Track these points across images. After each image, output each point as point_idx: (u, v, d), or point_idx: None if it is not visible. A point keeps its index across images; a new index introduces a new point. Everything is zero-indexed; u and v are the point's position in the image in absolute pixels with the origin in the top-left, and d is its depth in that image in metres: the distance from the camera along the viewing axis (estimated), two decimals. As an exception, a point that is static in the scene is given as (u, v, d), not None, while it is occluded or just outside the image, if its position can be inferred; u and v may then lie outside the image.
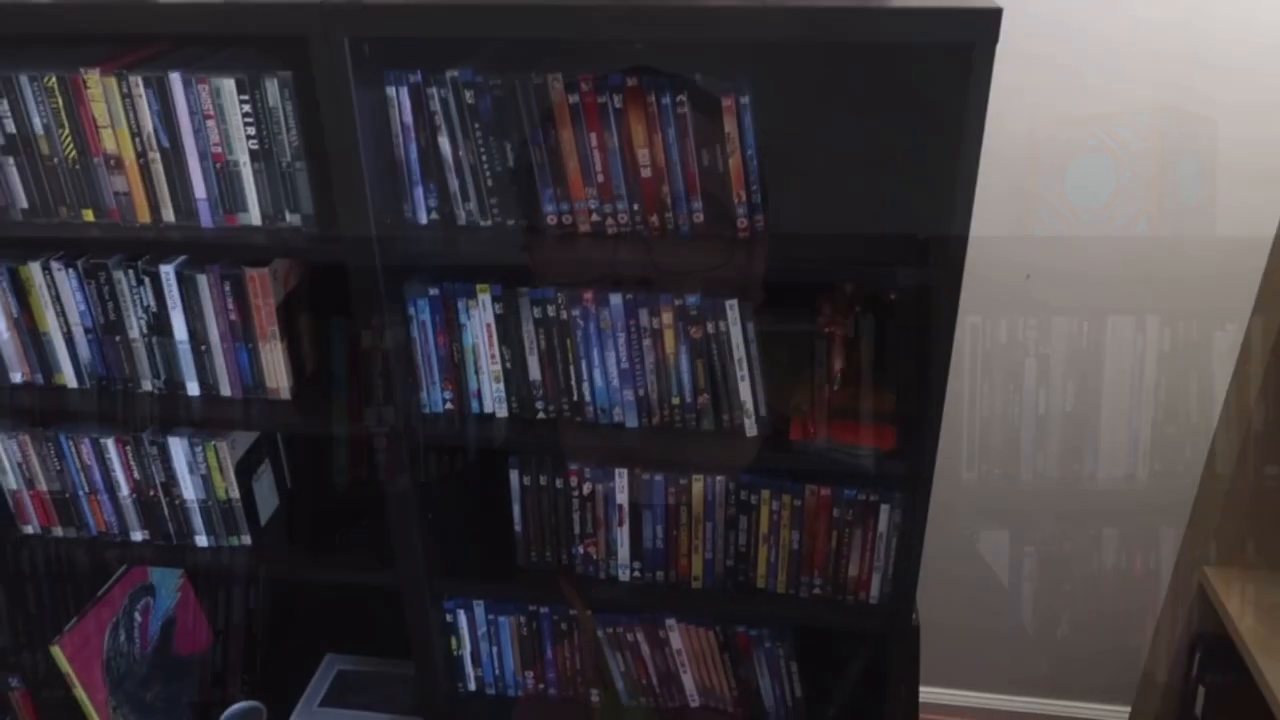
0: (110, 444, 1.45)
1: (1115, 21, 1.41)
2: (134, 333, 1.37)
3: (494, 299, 1.27)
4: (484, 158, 1.21)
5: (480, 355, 1.31)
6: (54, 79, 1.20)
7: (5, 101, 1.22)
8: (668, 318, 1.24)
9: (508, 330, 1.29)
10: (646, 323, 1.25)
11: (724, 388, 1.28)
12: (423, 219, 1.26)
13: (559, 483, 1.38)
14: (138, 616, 1.79)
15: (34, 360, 1.42)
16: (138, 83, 1.19)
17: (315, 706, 1.75)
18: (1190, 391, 1.64)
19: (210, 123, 1.21)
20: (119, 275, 1.33)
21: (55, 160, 1.25)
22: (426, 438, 1.36)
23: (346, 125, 1.15)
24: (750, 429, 1.30)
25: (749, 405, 1.28)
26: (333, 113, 1.14)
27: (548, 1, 1.06)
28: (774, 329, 1.28)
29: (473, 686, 1.59)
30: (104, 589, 1.72)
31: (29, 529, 1.55)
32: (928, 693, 1.97)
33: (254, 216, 1.26)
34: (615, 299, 1.24)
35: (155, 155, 1.24)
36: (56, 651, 1.62)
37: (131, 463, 1.47)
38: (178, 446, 1.45)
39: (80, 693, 1.66)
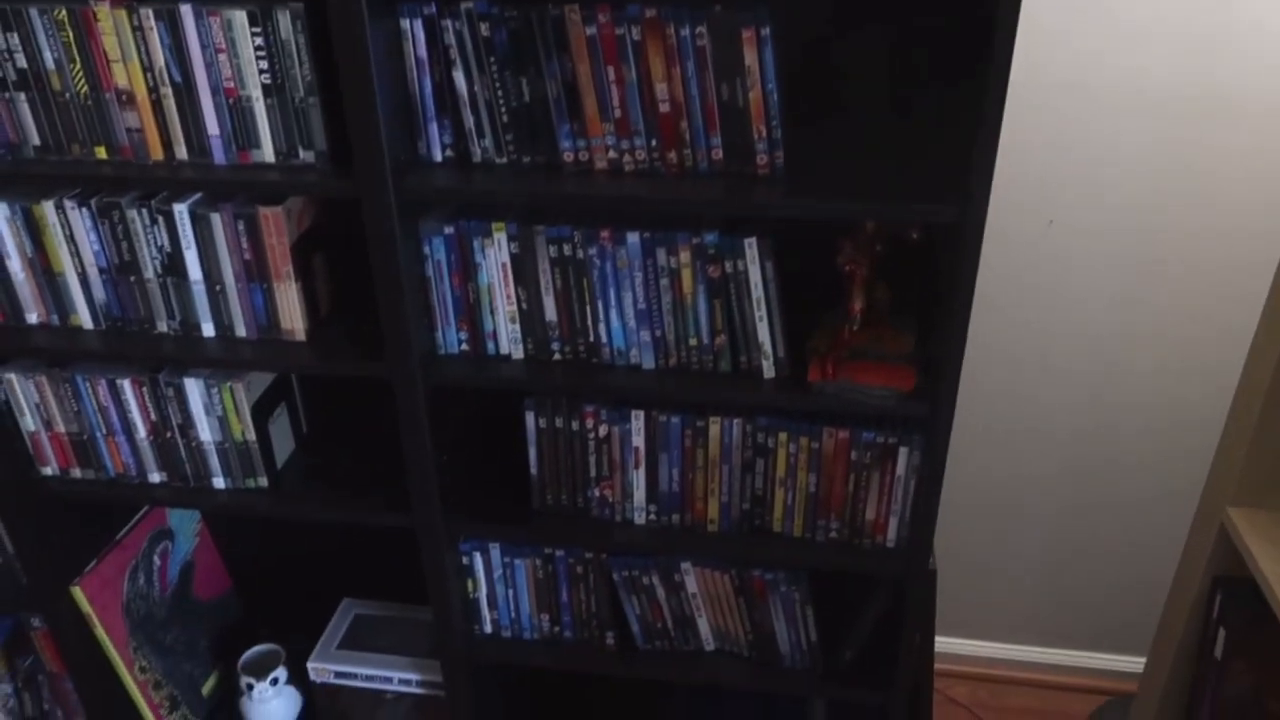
0: (126, 385, 1.46)
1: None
2: (148, 273, 1.36)
3: (509, 237, 1.26)
4: (499, 93, 1.19)
5: (496, 295, 1.30)
6: (64, 11, 1.19)
7: (16, 35, 1.21)
8: (685, 256, 1.23)
9: (523, 270, 1.27)
10: (664, 262, 1.24)
11: (742, 328, 1.27)
12: (437, 156, 1.24)
13: (575, 425, 1.37)
14: (156, 560, 1.81)
15: (49, 301, 1.41)
16: (148, 15, 1.18)
17: (333, 649, 1.77)
18: (1216, 332, 1.62)
19: (222, 56, 1.19)
20: (132, 214, 1.32)
21: (67, 96, 1.24)
22: (441, 379, 1.35)
23: (360, 59, 1.13)
24: (768, 370, 1.29)
25: (767, 346, 1.27)
26: (346, 45, 1.12)
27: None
28: (793, 269, 1.26)
29: (489, 629, 1.60)
30: (123, 532, 1.74)
31: (48, 470, 1.56)
32: (941, 642, 1.98)
33: (267, 153, 1.25)
34: (632, 237, 1.22)
35: (167, 90, 1.22)
36: (77, 592, 1.64)
37: (148, 404, 1.47)
38: (194, 388, 1.45)
39: (101, 633, 1.68)
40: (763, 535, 1.41)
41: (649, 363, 1.31)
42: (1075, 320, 1.66)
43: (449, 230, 1.27)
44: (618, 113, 1.17)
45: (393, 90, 1.18)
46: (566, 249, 1.25)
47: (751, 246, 1.21)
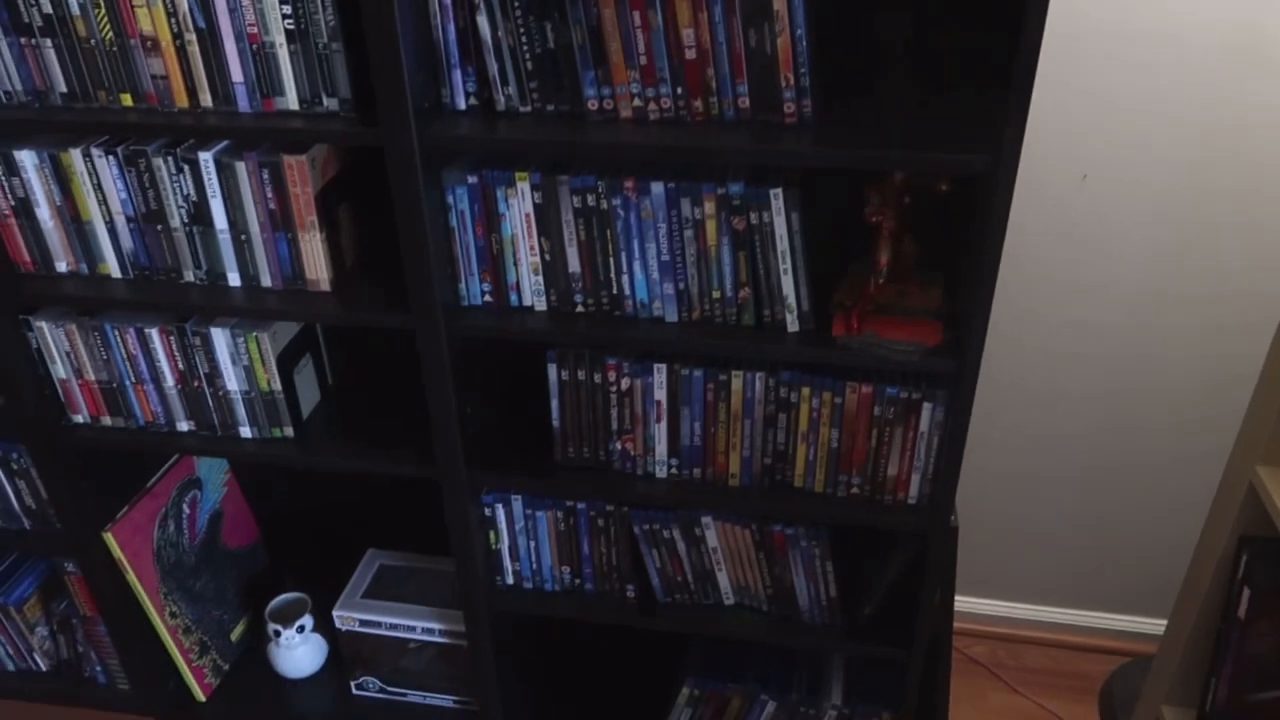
0: (154, 334, 1.47)
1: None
2: (175, 222, 1.37)
3: (533, 187, 1.25)
4: (523, 39, 1.17)
5: (519, 246, 1.30)
6: (88, -45, 1.18)
7: (41, -21, 1.21)
8: (710, 207, 1.21)
9: (547, 220, 1.27)
10: (688, 213, 1.23)
11: (766, 281, 1.26)
12: (461, 104, 1.24)
13: (597, 378, 1.37)
14: (185, 509, 1.84)
15: (78, 250, 1.43)
16: (172, -42, 1.17)
17: (358, 598, 1.80)
18: (1251, 290, 1.59)
19: (245, 1, 1.18)
20: (158, 163, 1.33)
21: (92, 42, 1.24)
22: (465, 331, 1.36)
23: (383, 3, 1.11)
24: (792, 324, 1.28)
25: (791, 300, 1.26)
26: (369, -11, 1.11)
27: None
28: (819, 221, 1.25)
29: (510, 580, 1.62)
30: (153, 481, 1.77)
31: (79, 418, 1.59)
32: (961, 601, 1.98)
33: (291, 101, 1.25)
34: (657, 187, 1.21)
35: (191, 36, 1.22)
36: (109, 538, 1.67)
37: (175, 353, 1.49)
38: (220, 337, 1.46)
39: (132, 578, 1.72)
40: (784, 490, 1.41)
41: (672, 315, 1.30)
42: (1107, 278, 1.63)
43: (472, 180, 1.26)
44: (643, 60, 1.15)
45: (416, 36, 1.17)
46: (590, 199, 1.24)
47: (777, 197, 1.19)
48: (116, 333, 1.48)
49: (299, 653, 1.88)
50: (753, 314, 1.28)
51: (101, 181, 1.36)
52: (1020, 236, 1.57)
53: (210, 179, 1.32)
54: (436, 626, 1.75)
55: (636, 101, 1.19)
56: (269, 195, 1.33)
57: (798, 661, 1.69)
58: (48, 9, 1.22)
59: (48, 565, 1.86)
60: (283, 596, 1.91)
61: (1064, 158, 1.54)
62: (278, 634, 1.85)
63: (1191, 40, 1.42)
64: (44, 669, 1.95)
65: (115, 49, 1.24)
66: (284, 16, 1.19)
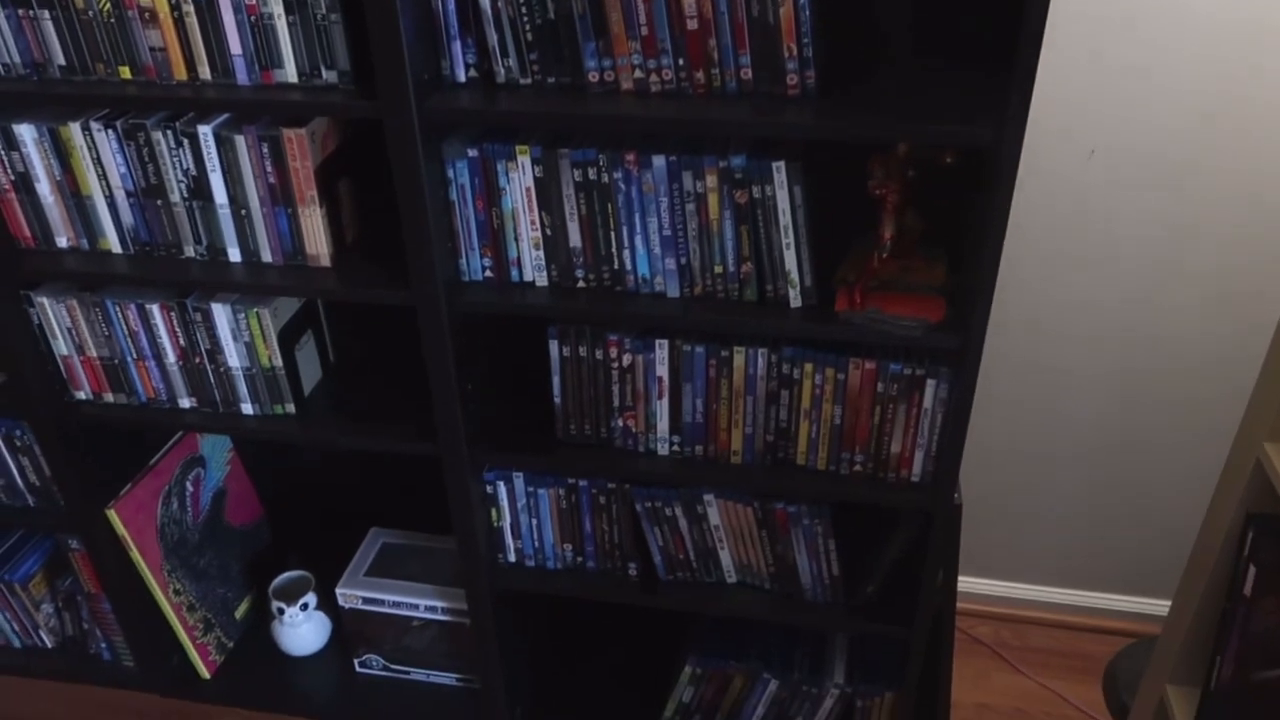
0: (155, 310, 1.47)
1: None
2: (174, 196, 1.37)
3: (533, 161, 1.24)
4: (523, 10, 1.16)
5: (520, 221, 1.29)
6: (84, -75, 1.17)
7: (37, -50, 1.20)
8: (712, 181, 1.20)
9: (548, 194, 1.26)
10: (690, 186, 1.21)
11: (768, 256, 1.25)
12: (461, 76, 1.23)
13: (599, 354, 1.37)
14: (189, 487, 1.84)
15: (78, 225, 1.42)
16: (169, -72, 1.16)
17: (361, 576, 1.80)
18: (1260, 267, 1.57)
19: (243, -29, 1.18)
20: (158, 136, 1.32)
21: (90, 14, 1.23)
22: (466, 306, 1.35)
23: (382, -28, 1.10)
24: (794, 299, 1.27)
25: (794, 274, 1.25)
26: (367, -41, 1.10)
27: None
28: (822, 196, 1.24)
29: (512, 558, 1.62)
30: (156, 458, 1.77)
31: (81, 395, 1.59)
32: (965, 582, 1.97)
33: (290, 73, 1.24)
34: (658, 160, 1.20)
35: (189, 7, 1.21)
36: (112, 515, 1.68)
37: (177, 329, 1.48)
38: (221, 313, 1.46)
39: (136, 555, 1.72)
40: (786, 467, 1.40)
41: (673, 291, 1.29)
42: (1113, 255, 1.61)
43: (472, 153, 1.25)
44: (644, 30, 1.14)
45: (415, 7, 1.16)
46: (591, 173, 1.23)
47: (780, 170, 1.18)
48: (118, 309, 1.48)
49: (302, 630, 1.89)
50: (755, 289, 1.27)
51: (101, 155, 1.35)
52: (1026, 212, 1.56)
53: (210, 153, 1.32)
54: (439, 605, 1.76)
55: (638, 73, 1.17)
56: (269, 169, 1.32)
57: (800, 640, 1.69)
58: (45, -20, 1.22)
59: (52, 542, 1.87)
60: (286, 574, 1.91)
61: (1071, 133, 1.52)
62: (281, 612, 1.86)
63: (1201, 13, 1.40)
64: (49, 646, 1.96)
65: (113, 20, 1.23)
66: (282, -13, 1.18)
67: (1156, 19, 1.41)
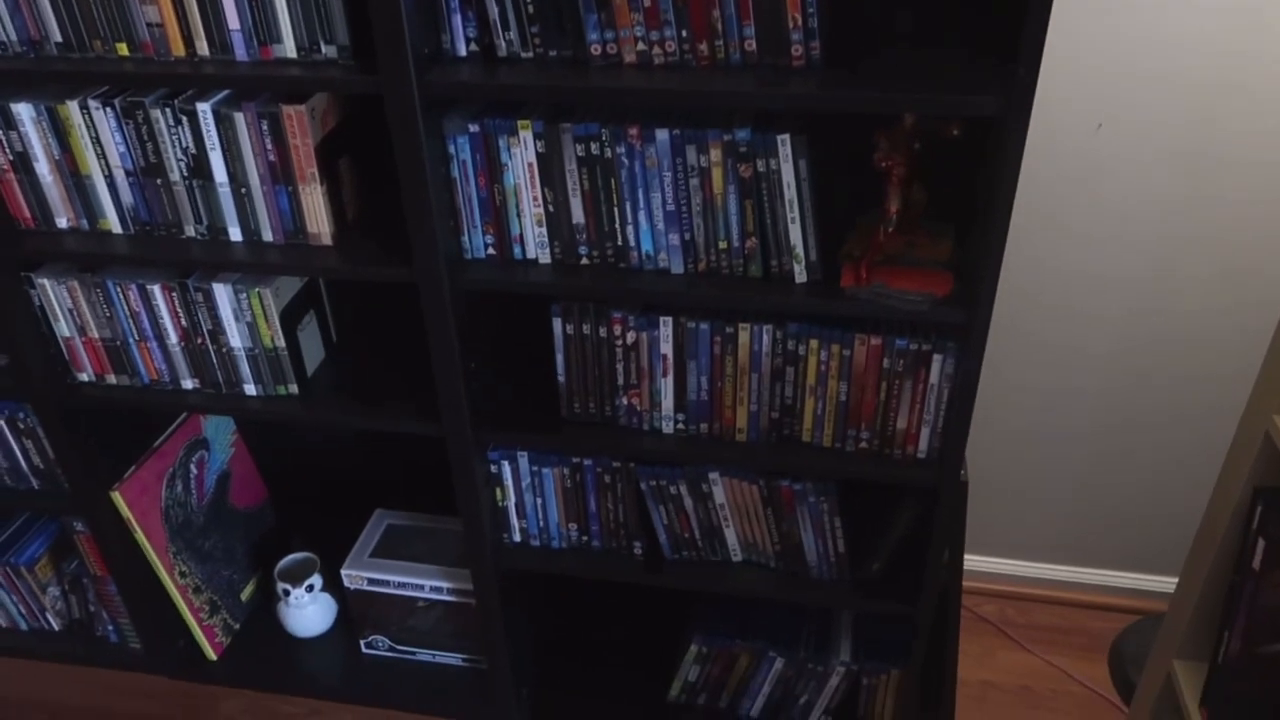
0: (156, 290, 1.46)
1: None
2: (174, 175, 1.36)
3: (536, 136, 1.22)
4: (524, -19, 1.15)
5: (522, 197, 1.28)
6: (79, -102, 1.16)
7: (32, -75, 1.18)
8: (716, 155, 1.19)
9: (550, 169, 1.24)
10: (694, 160, 1.20)
11: (773, 231, 1.23)
12: (461, 50, 1.21)
13: (602, 331, 1.36)
14: (193, 469, 1.84)
15: (78, 205, 1.41)
16: (165, -99, 1.15)
17: (366, 557, 1.80)
18: (1268, 239, 1.56)
19: (241, -55, 1.16)
20: (156, 114, 1.31)
21: (86, -11, 1.22)
22: (468, 284, 1.34)
23: (381, -56, 1.09)
24: (800, 275, 1.25)
25: (799, 249, 1.24)
26: (366, -70, 1.09)
27: None
28: (827, 171, 1.22)
29: (517, 538, 1.61)
30: (160, 440, 1.77)
31: (84, 376, 1.58)
32: (970, 560, 1.97)
33: (289, 48, 1.23)
34: (661, 134, 1.19)
35: (186, -18, 1.20)
36: (116, 497, 1.68)
37: (178, 309, 1.48)
38: (222, 293, 1.45)
39: (141, 537, 1.72)
40: (792, 445, 1.40)
41: (677, 267, 1.28)
42: (1120, 230, 1.60)
43: (474, 128, 1.24)
44: (647, 1, 1.13)
45: (415, -20, 1.14)
46: (594, 147, 1.22)
47: (785, 144, 1.17)
48: (119, 289, 1.47)
49: (308, 612, 1.89)
50: (760, 265, 1.26)
51: (99, 134, 1.34)
52: (1033, 186, 1.54)
53: (209, 130, 1.31)
54: (445, 585, 1.76)
55: (640, 45, 1.16)
56: (268, 147, 1.31)
57: (806, 618, 1.69)
58: (40, -45, 1.20)
59: (57, 525, 1.87)
60: (291, 556, 1.91)
61: (1078, 106, 1.51)
62: (287, 593, 1.86)
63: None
64: (56, 629, 1.96)
65: (110, -4, 1.22)
66: (280, -40, 1.16)
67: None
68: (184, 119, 1.31)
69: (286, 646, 1.91)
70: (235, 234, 1.39)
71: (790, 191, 1.20)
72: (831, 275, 1.25)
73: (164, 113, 1.31)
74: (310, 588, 1.87)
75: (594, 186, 1.25)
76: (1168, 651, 1.31)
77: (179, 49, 1.25)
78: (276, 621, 1.91)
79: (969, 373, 1.25)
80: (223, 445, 1.91)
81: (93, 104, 1.32)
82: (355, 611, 1.85)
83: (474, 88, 1.20)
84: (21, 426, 1.67)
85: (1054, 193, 1.58)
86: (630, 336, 1.35)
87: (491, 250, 1.33)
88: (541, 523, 1.59)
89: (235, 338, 1.49)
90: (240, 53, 1.24)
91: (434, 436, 1.48)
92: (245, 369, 1.52)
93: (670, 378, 1.38)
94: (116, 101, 1.31)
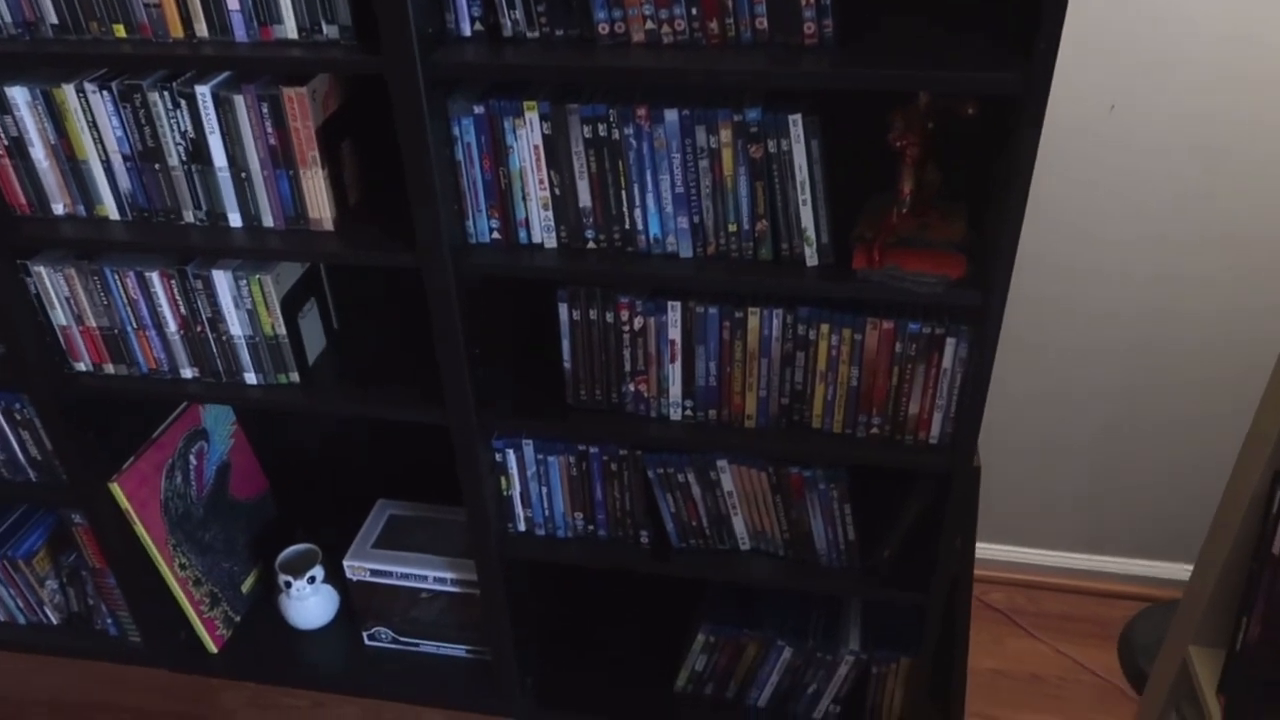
0: (155, 277, 1.44)
1: None
2: (173, 160, 1.33)
3: (542, 117, 1.20)
4: (530, -42, 1.12)
5: (528, 180, 1.25)
6: (74, -126, 1.13)
7: (26, -98, 1.16)
8: (726, 135, 1.17)
9: (556, 152, 1.22)
10: (703, 141, 1.18)
11: (784, 213, 1.21)
12: (466, 30, 1.19)
13: (609, 317, 1.34)
14: (193, 460, 1.82)
15: (75, 191, 1.39)
16: (161, -123, 1.12)
17: (369, 548, 1.78)
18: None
19: (239, -78, 1.14)
20: (154, 97, 1.28)
21: (82, -31, 1.20)
22: (473, 270, 1.32)
23: (383, -80, 1.07)
24: (811, 258, 1.23)
25: (810, 232, 1.22)
26: (368, -94, 1.06)
27: None
28: (837, 153, 1.20)
29: (522, 527, 1.59)
30: (158, 431, 1.75)
31: (81, 366, 1.56)
32: (978, 547, 1.95)
33: (289, 29, 1.20)
34: (670, 115, 1.17)
35: (184, -39, 1.17)
36: (115, 488, 1.65)
37: (177, 297, 1.45)
38: (222, 280, 1.43)
39: (140, 529, 1.70)
40: (801, 431, 1.38)
41: (686, 251, 1.26)
42: (1134, 215, 1.58)
43: (479, 110, 1.21)
44: (656, -22, 1.10)
45: (418, -43, 1.12)
46: (601, 129, 1.19)
47: (796, 124, 1.15)
48: (116, 277, 1.45)
49: (310, 604, 1.87)
50: (770, 248, 1.24)
51: (96, 118, 1.31)
52: (1043, 170, 1.51)
53: (208, 114, 1.28)
54: (448, 576, 1.74)
55: (649, 24, 1.14)
56: (269, 130, 1.28)
57: (814, 607, 1.67)
58: (34, -66, 1.18)
59: (55, 517, 1.85)
60: (293, 548, 1.89)
61: (1089, 88, 1.49)
62: (288, 585, 1.84)
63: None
64: (55, 622, 1.94)
65: (106, -25, 1.19)
66: (280, -63, 1.14)
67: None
68: (182, 102, 1.28)
69: (288, 639, 1.89)
70: (235, 219, 1.36)
71: (802, 173, 1.18)
72: (843, 258, 1.23)
73: (162, 96, 1.28)
74: (312, 579, 1.85)
75: (601, 169, 1.22)
76: (1184, 638, 1.30)
77: (177, 30, 1.22)
78: (278, 613, 1.89)
79: (984, 356, 1.23)
80: (222, 436, 1.89)
81: (89, 87, 1.29)
82: (358, 603, 1.83)
83: (479, 68, 1.18)
84: (18, 417, 1.65)
85: (1064, 178, 1.56)
86: (638, 322, 1.33)
87: (496, 235, 1.31)
88: (547, 512, 1.57)
89: (235, 325, 1.47)
90: (240, 33, 1.21)
91: (437, 425, 1.46)
92: (245, 357, 1.50)
93: (678, 363, 1.36)
94: (113, 84, 1.28)
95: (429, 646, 1.85)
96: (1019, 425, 1.82)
